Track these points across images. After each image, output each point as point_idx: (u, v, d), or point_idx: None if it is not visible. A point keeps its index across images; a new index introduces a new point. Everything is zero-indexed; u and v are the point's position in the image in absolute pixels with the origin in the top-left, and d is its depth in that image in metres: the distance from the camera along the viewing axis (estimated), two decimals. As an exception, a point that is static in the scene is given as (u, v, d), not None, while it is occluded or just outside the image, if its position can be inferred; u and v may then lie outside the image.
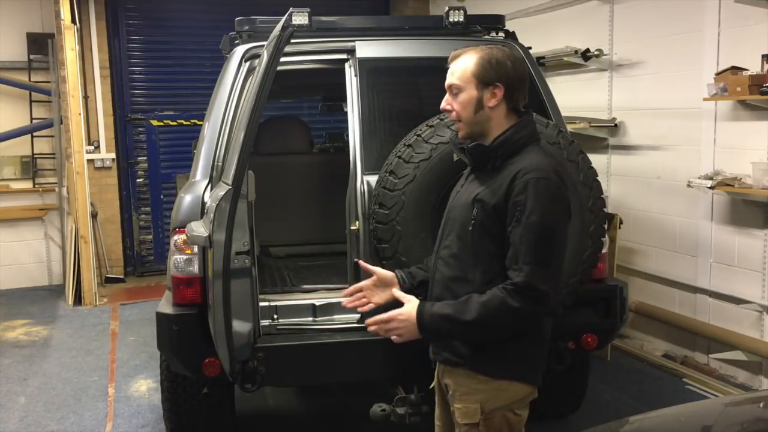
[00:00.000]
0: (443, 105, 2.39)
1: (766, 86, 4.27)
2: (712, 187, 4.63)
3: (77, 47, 7.25)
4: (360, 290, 2.62)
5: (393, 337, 2.34)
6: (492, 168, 2.31)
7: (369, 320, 2.38)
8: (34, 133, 8.00)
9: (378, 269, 2.64)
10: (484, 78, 2.29)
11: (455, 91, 2.34)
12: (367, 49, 3.69)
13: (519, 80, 2.32)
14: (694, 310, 5.13)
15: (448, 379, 2.41)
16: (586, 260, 3.24)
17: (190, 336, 3.31)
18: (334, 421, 4.50)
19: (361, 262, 2.76)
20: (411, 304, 2.34)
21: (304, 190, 5.12)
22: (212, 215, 2.94)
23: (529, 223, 2.16)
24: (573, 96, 5.99)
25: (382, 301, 2.59)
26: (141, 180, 8.45)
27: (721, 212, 4.88)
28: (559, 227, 2.21)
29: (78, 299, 7.27)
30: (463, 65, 2.33)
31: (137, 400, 4.86)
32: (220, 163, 3.52)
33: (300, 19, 3.33)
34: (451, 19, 3.84)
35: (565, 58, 5.96)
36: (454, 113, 2.36)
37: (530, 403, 2.39)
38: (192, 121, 8.34)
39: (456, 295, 2.31)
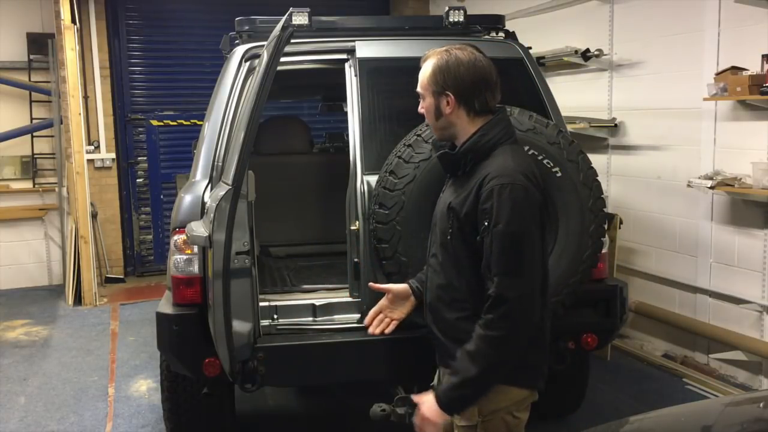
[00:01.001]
0: (419, 109, 2.42)
1: (766, 86, 4.27)
2: (712, 187, 4.62)
3: (77, 47, 7.25)
4: (379, 312, 2.68)
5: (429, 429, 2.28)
6: (463, 173, 2.31)
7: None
8: (34, 133, 8.00)
9: (391, 286, 2.69)
10: (435, 86, 2.31)
11: (420, 97, 2.39)
12: (367, 49, 3.68)
13: (472, 85, 2.27)
14: (694, 310, 5.13)
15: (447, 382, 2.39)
16: (586, 260, 3.23)
17: (190, 336, 3.31)
18: (334, 421, 4.50)
19: (372, 284, 2.76)
20: (427, 397, 2.29)
21: (304, 190, 5.11)
22: (212, 215, 2.94)
23: (496, 232, 2.15)
24: (573, 96, 5.99)
25: (403, 315, 2.66)
26: (141, 180, 8.45)
27: (721, 212, 4.88)
28: (528, 233, 2.18)
29: (78, 299, 7.27)
30: (423, 72, 2.36)
31: (137, 400, 4.86)
32: (220, 163, 3.52)
33: (300, 19, 3.33)
34: (451, 19, 3.84)
35: (565, 58, 5.96)
36: (426, 118, 2.40)
37: (530, 405, 2.38)
38: (192, 121, 8.34)
39: (445, 301, 2.33)
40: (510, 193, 2.16)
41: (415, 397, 2.35)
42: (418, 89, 2.37)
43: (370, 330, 2.73)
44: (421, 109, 2.40)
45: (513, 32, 4.03)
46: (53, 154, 8.08)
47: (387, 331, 2.70)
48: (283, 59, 3.01)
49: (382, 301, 2.68)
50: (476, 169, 2.27)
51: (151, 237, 8.53)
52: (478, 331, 2.17)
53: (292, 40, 2.96)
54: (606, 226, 3.44)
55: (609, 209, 5.16)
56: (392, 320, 2.70)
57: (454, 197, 2.30)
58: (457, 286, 2.29)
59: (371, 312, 2.74)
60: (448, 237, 2.29)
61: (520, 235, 2.16)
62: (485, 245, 2.18)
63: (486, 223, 2.17)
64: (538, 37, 5.95)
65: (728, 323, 4.85)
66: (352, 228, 3.49)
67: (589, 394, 4.26)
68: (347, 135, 3.70)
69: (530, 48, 4.10)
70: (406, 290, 2.64)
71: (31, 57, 7.88)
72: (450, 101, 2.29)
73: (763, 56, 4.36)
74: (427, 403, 2.27)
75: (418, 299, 2.63)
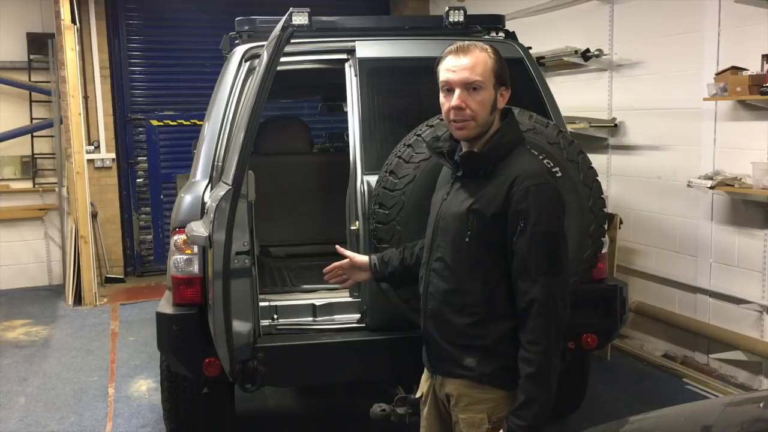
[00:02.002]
0: (457, 102, 2.19)
1: (766, 86, 4.27)
2: (712, 187, 4.63)
3: (77, 47, 7.26)
4: (340, 268, 2.77)
5: None
6: (484, 174, 2.24)
7: None
8: (34, 133, 8.00)
9: (353, 255, 2.79)
10: (502, 78, 2.24)
11: (475, 87, 2.19)
12: (367, 49, 3.68)
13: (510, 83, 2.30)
14: (694, 310, 5.13)
15: (451, 390, 2.33)
16: (586, 260, 3.24)
17: (190, 336, 3.31)
18: (334, 421, 4.50)
19: (338, 247, 2.84)
20: None
21: (304, 190, 5.12)
22: (212, 215, 2.94)
23: (536, 232, 2.12)
24: (573, 96, 5.99)
25: (360, 279, 2.83)
26: (141, 180, 8.45)
27: (721, 212, 4.88)
28: (562, 232, 2.20)
29: (78, 299, 7.27)
30: (483, 60, 2.20)
31: (137, 400, 4.86)
32: (220, 163, 3.52)
33: (300, 19, 3.33)
34: (451, 19, 3.84)
35: (565, 58, 5.96)
36: (468, 111, 2.20)
37: None
38: (192, 121, 8.34)
39: (454, 307, 2.27)
40: (547, 193, 2.16)
41: None
42: (479, 78, 2.18)
43: (326, 277, 2.80)
44: (462, 102, 2.19)
45: (513, 32, 4.03)
46: (53, 154, 8.08)
47: (344, 286, 2.90)
48: (283, 59, 3.01)
49: (345, 261, 2.77)
50: (497, 170, 2.22)
51: (151, 237, 8.53)
52: (527, 355, 2.12)
53: (292, 40, 2.96)
54: (606, 226, 3.44)
55: (609, 209, 5.16)
56: (349, 279, 2.80)
57: (475, 199, 2.21)
58: (469, 290, 2.23)
59: (333, 264, 2.78)
60: (466, 239, 2.22)
61: (558, 234, 2.17)
62: (520, 246, 2.14)
63: (522, 224, 2.13)
64: (538, 37, 5.95)
65: (728, 323, 4.85)
66: (352, 228, 3.49)
67: (589, 394, 4.26)
68: (347, 135, 3.70)
69: (530, 48, 4.10)
70: (366, 263, 2.74)
71: (31, 57, 7.87)
72: (505, 95, 2.26)
73: (763, 56, 4.36)
74: None
75: (373, 276, 2.74)
